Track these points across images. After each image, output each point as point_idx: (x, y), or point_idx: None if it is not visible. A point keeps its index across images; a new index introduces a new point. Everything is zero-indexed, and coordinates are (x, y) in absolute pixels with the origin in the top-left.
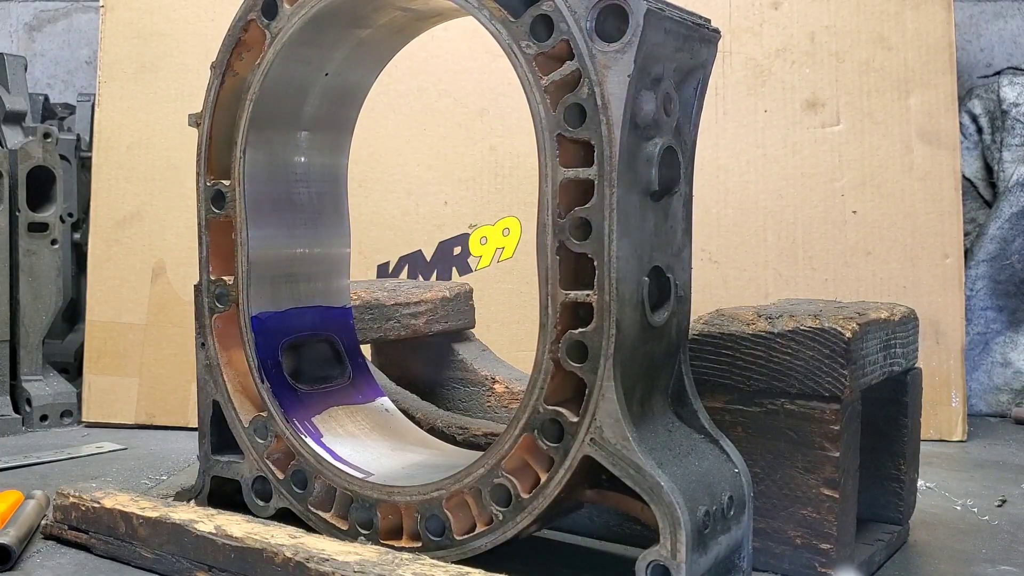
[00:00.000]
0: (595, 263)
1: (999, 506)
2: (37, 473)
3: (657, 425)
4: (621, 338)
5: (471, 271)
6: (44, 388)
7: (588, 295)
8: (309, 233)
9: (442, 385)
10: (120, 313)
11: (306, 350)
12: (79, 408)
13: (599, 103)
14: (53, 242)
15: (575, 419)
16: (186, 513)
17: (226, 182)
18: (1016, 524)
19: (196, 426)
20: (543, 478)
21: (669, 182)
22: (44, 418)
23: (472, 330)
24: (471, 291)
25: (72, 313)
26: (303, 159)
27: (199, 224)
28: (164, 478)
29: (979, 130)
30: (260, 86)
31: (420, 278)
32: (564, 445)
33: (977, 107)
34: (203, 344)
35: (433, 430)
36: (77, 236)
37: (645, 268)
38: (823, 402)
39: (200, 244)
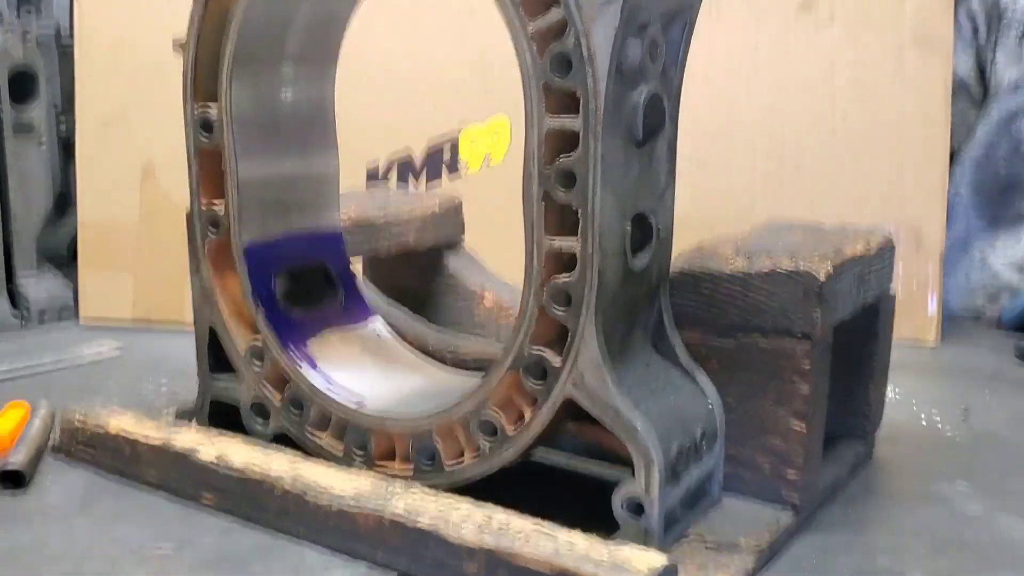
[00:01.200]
0: (579, 213)
1: (964, 420)
2: (39, 381)
3: (636, 361)
4: (603, 286)
5: (461, 174)
6: (40, 288)
7: (572, 244)
8: (298, 161)
9: (432, 297)
10: (112, 213)
11: (298, 276)
12: (76, 306)
13: (585, 55)
14: (40, 143)
15: (558, 363)
16: (188, 439)
17: (213, 108)
18: (976, 438)
19: (191, 325)
20: (527, 415)
21: (654, 128)
22: (42, 318)
23: (462, 241)
24: (460, 204)
25: (63, 203)
26: (289, 87)
27: (188, 151)
28: (164, 384)
29: (975, 30)
30: (243, 14)
31: (410, 181)
32: (547, 386)
33: (975, 4)
34: (197, 270)
35: (424, 351)
36: (63, 127)
37: (628, 215)
38: (795, 340)
39: (190, 172)
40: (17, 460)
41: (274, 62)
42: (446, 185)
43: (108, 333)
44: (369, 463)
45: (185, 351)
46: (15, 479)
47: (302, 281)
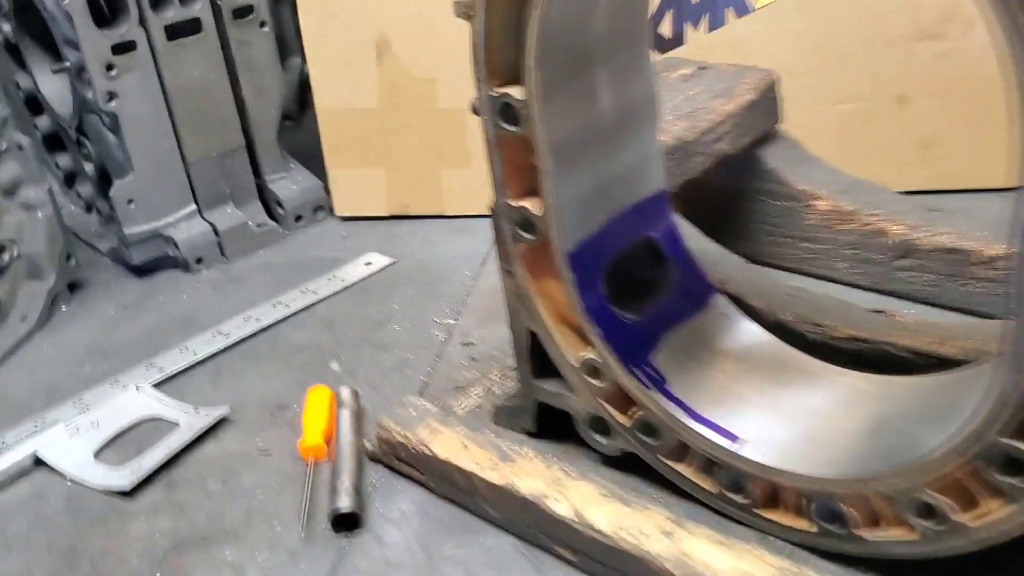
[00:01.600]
0: None
1: None
2: (318, 318)
3: None
4: None
5: (748, 11)
6: (291, 186)
7: None
8: (618, 129)
9: (746, 199)
10: (350, 98)
11: (626, 263)
12: (329, 200)
13: None
14: (262, 24)
15: None
16: (533, 480)
17: (516, 93)
18: None
19: (451, 214)
20: (988, 507)
21: None
22: (298, 218)
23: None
24: (777, 80)
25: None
26: (606, 53)
27: (487, 141)
28: (451, 322)
29: None
30: None
31: (689, 25)
32: (1021, 483)
33: None
34: (509, 272)
35: (779, 327)
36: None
37: None
38: None
39: (491, 164)
40: (349, 501)
41: (588, 27)
42: (730, 29)
43: (367, 233)
44: (749, 509)
45: (454, 254)
46: (351, 522)
47: (631, 269)
